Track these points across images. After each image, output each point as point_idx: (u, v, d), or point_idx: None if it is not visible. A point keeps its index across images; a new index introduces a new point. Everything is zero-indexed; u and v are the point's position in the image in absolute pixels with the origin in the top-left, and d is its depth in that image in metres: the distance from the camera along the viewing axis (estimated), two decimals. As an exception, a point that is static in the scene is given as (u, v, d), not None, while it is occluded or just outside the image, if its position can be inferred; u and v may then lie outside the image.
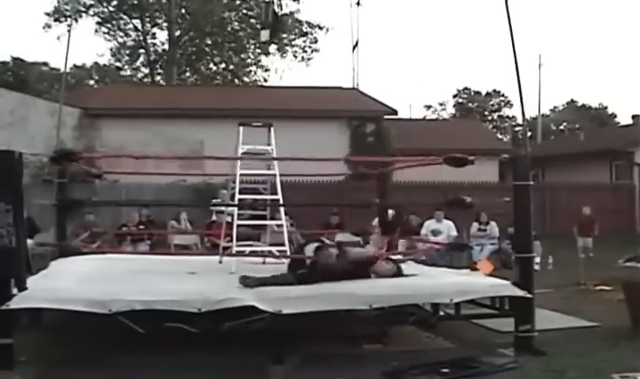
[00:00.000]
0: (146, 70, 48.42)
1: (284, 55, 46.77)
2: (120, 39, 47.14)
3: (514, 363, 7.44)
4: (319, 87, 31.94)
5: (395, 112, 29.69)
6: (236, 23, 45.43)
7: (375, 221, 13.13)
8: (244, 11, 44.34)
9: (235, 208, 9.98)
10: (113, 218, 18.20)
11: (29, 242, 8.99)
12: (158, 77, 46.93)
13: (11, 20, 79.67)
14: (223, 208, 12.29)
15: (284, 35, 44.50)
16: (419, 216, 16.87)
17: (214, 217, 16.11)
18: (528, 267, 8.26)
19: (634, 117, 39.56)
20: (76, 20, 41.40)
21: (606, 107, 67.70)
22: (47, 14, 43.04)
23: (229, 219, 10.71)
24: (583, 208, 17.71)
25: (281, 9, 39.95)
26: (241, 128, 10.11)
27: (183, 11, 44.57)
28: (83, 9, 42.89)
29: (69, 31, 12.13)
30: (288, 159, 10.19)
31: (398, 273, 8.64)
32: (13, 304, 6.95)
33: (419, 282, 8.55)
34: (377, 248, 9.23)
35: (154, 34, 46.95)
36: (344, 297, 7.54)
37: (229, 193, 10.84)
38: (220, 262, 10.08)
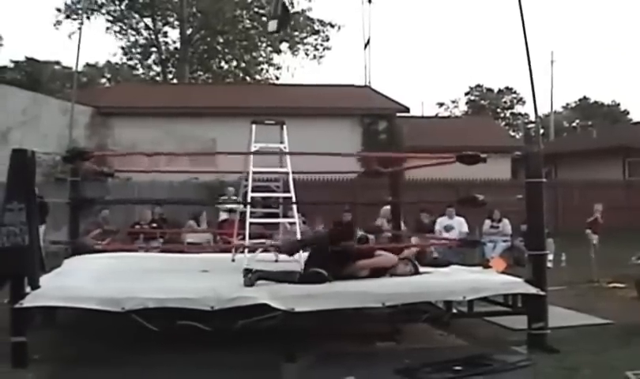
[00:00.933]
0: (158, 69, 48.55)
1: (296, 53, 46.93)
2: (132, 38, 47.32)
3: (527, 361, 7.42)
4: (331, 85, 32.05)
5: (407, 109, 29.72)
6: (247, 21, 45.51)
7: (379, 221, 13.11)
8: (255, 9, 44.37)
9: (245, 206, 9.97)
10: (126, 216, 18.25)
11: (41, 229, 8.95)
12: (170, 76, 47.01)
13: (24, 19, 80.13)
14: (235, 206, 12.29)
15: (296, 33, 44.58)
16: (431, 214, 16.87)
17: (222, 215, 16.12)
18: (541, 264, 8.23)
19: (646, 113, 39.47)
20: (88, 18, 41.60)
21: (619, 104, 67.67)
22: (58, 10, 43.25)
23: (239, 216, 10.72)
24: (595, 206, 17.68)
25: (292, 6, 40.08)
26: (253, 126, 10.10)
27: (194, 9, 44.63)
28: (95, 8, 43.02)
29: (80, 28, 12.17)
30: (301, 153, 10.16)
31: (416, 273, 8.63)
32: (27, 302, 6.97)
33: (432, 279, 8.55)
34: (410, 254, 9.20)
35: (166, 32, 47.18)
36: (357, 295, 7.52)
37: (242, 190, 10.82)
38: (233, 260, 10.09)
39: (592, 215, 17.22)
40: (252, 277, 7.66)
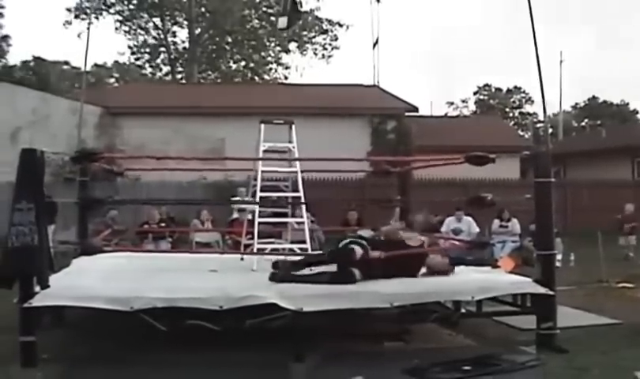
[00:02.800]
0: (167, 68, 48.60)
1: (305, 53, 46.99)
2: (140, 38, 47.40)
3: (536, 361, 7.40)
4: (340, 84, 32.01)
5: (416, 109, 29.67)
6: (256, 21, 45.55)
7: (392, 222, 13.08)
8: (264, 9, 44.42)
9: (256, 206, 9.96)
10: (134, 216, 18.27)
11: (50, 228, 8.96)
12: (178, 75, 47.07)
13: (33, 19, 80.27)
14: (244, 206, 12.29)
15: (305, 32, 44.62)
16: (437, 214, 16.80)
17: (235, 215, 16.12)
18: (550, 264, 8.20)
19: (656, 113, 39.42)
20: (97, 18, 41.74)
21: (627, 104, 67.35)
22: (68, 10, 43.36)
23: (250, 216, 10.72)
24: (626, 206, 17.72)
25: (301, 5, 40.07)
26: (262, 125, 10.10)
27: (203, 9, 44.70)
28: (104, 7, 43.15)
29: (88, 28, 12.26)
30: (309, 159, 10.20)
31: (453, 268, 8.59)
32: (36, 302, 6.98)
33: (440, 279, 8.51)
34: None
35: (174, 32, 47.28)
36: (365, 295, 7.49)
37: (251, 190, 10.82)
38: (242, 260, 10.09)
39: (623, 215, 17.29)
40: (279, 275, 7.70)
